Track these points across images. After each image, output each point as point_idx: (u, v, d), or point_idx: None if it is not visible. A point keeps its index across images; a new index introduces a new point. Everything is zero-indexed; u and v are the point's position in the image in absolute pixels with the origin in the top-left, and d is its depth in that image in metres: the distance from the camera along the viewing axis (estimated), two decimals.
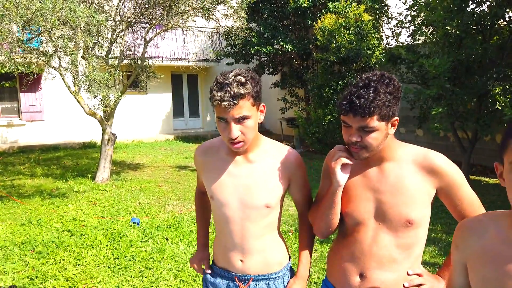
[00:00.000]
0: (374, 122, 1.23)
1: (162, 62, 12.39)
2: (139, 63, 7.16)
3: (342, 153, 1.32)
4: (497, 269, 0.96)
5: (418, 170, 1.32)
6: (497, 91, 5.69)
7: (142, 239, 4.30)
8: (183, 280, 3.41)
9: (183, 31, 7.21)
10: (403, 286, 1.36)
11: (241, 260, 1.55)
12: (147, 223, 4.81)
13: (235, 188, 1.50)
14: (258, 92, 1.40)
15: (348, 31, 8.47)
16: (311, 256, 1.62)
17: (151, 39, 6.91)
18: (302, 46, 10.24)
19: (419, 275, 1.37)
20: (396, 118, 1.29)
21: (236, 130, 1.36)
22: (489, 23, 5.84)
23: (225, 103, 1.31)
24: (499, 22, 5.90)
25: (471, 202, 1.33)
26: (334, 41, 8.53)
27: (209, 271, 1.67)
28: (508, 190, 0.94)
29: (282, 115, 11.54)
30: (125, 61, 7.40)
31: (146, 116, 13.09)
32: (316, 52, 9.70)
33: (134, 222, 4.78)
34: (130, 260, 3.79)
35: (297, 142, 10.46)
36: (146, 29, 6.92)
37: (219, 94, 1.32)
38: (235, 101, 1.32)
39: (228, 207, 1.51)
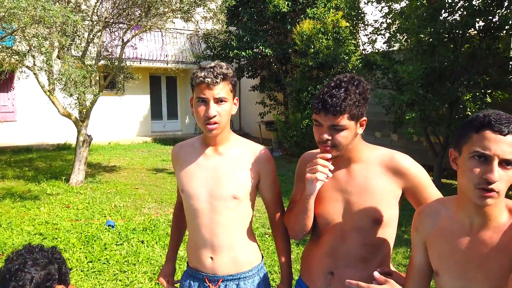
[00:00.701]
0: (344, 120, 1.27)
1: (140, 63, 12.25)
2: (116, 64, 7.06)
3: (321, 167, 1.30)
4: (447, 243, 1.16)
5: (385, 172, 1.37)
6: (467, 97, 5.90)
7: (117, 242, 4.24)
8: (158, 284, 3.38)
9: (161, 33, 7.16)
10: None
11: (211, 258, 1.54)
12: (122, 226, 4.74)
13: (204, 180, 1.53)
14: (236, 84, 1.51)
15: (326, 37, 8.61)
16: (290, 257, 1.63)
17: (128, 40, 6.83)
18: (281, 51, 10.34)
19: (388, 273, 1.39)
20: (364, 118, 1.35)
21: (214, 108, 1.43)
22: (460, 32, 6.06)
23: (208, 79, 1.40)
24: (470, 31, 6.12)
25: None
26: (312, 46, 8.65)
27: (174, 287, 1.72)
28: (459, 175, 1.10)
29: (261, 118, 11.59)
30: (102, 62, 7.29)
31: (123, 117, 12.90)
32: (295, 56, 9.81)
33: (109, 225, 4.70)
34: (104, 263, 3.73)
35: (275, 145, 10.53)
36: (124, 30, 6.84)
37: (202, 73, 1.42)
38: (217, 80, 1.41)
39: (196, 198, 1.53)
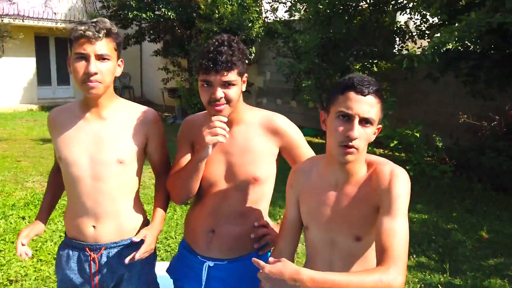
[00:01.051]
0: (234, 76, 1.30)
1: (23, 21, 10.73)
2: None
3: (219, 129, 1.29)
4: (316, 199, 1.24)
5: (264, 132, 1.43)
6: (357, 67, 6.35)
7: None
8: (41, 260, 3.12)
9: None
10: (250, 237, 1.45)
11: (93, 226, 1.45)
12: None
13: (85, 145, 1.42)
14: (120, 43, 1.43)
15: (230, 2, 8.45)
16: (165, 213, 1.56)
17: None
18: (185, 14, 9.90)
19: (264, 226, 1.48)
20: (246, 75, 1.39)
21: (95, 65, 1.33)
22: (353, 4, 6.40)
23: (89, 33, 1.30)
24: (361, 4, 6.51)
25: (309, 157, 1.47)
26: (217, 11, 8.44)
27: (25, 252, 1.45)
28: (327, 136, 1.17)
29: (164, 85, 11.14)
30: None
31: (2, 83, 11.29)
32: (199, 21, 9.49)
33: None
34: None
35: (179, 113, 10.26)
36: None
37: (83, 27, 1.32)
38: (100, 34, 1.33)
39: (77, 166, 1.42)
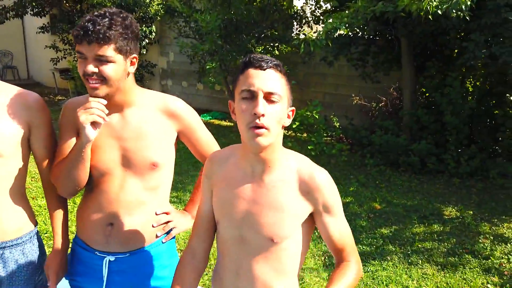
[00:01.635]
0: (110, 51, 1.21)
1: None
2: None
3: (96, 109, 1.21)
4: (231, 190, 1.15)
5: (160, 115, 1.38)
6: (259, 50, 6.50)
7: None
8: None
9: None
10: (152, 226, 1.42)
11: None
12: None
13: None
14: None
15: None
16: (66, 218, 1.46)
17: None
18: None
19: (166, 213, 1.46)
20: (135, 55, 1.29)
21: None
22: None
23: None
24: None
25: (207, 142, 1.48)
26: None
27: None
28: (237, 122, 1.07)
29: (54, 65, 10.09)
30: None
31: None
32: None
33: None
34: None
35: (73, 96, 9.41)
36: None
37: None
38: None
39: None
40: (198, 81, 7.73)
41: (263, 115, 1.00)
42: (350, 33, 5.11)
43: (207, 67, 6.13)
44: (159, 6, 7.61)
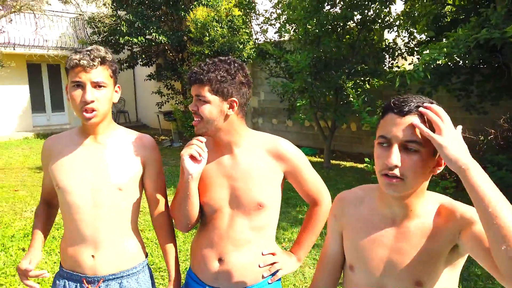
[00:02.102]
0: (206, 92, 1.31)
1: (14, 49, 10.78)
2: None
3: (195, 145, 1.33)
4: (367, 235, 1.10)
5: (268, 156, 1.41)
6: (349, 85, 6.46)
7: None
8: None
9: (34, 15, 6.37)
10: (259, 266, 1.43)
11: (92, 256, 1.43)
12: None
13: (83, 173, 1.41)
14: (116, 70, 1.44)
15: (220, 25, 8.60)
16: (177, 256, 1.56)
17: None
18: (176, 38, 10.03)
19: (272, 254, 1.47)
20: (234, 99, 1.34)
21: (91, 93, 1.34)
22: (341, 24, 6.57)
23: (84, 61, 1.32)
24: (349, 23, 6.69)
25: (314, 182, 1.48)
26: (207, 34, 8.57)
27: (43, 272, 1.42)
28: (375, 164, 1.03)
29: (159, 108, 11.19)
30: None
31: None
32: (190, 44, 9.61)
33: None
34: None
35: (175, 136, 10.28)
36: None
37: (77, 56, 1.33)
38: (94, 62, 1.33)
39: (75, 194, 1.40)
40: (288, 118, 7.90)
41: (396, 166, 0.95)
42: (449, 63, 4.84)
43: (298, 104, 6.26)
44: (252, 50, 8.08)
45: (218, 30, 8.47)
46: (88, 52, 1.34)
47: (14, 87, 11.61)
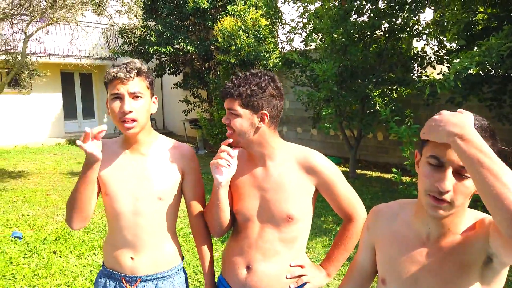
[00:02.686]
0: (237, 106, 1.35)
1: (49, 59, 11.26)
2: (19, 59, 6.40)
3: (223, 155, 1.37)
4: (400, 250, 1.09)
5: (299, 169, 1.41)
6: (376, 94, 6.39)
7: (25, 254, 3.86)
8: None
9: (70, 26, 6.65)
10: (286, 277, 1.43)
11: (131, 258, 1.50)
12: (31, 236, 4.32)
13: (126, 181, 1.48)
14: (153, 81, 1.49)
15: (246, 34, 8.70)
16: (212, 261, 1.60)
17: (32, 34, 6.23)
18: (203, 47, 10.22)
19: (301, 266, 1.46)
20: (265, 112, 1.36)
21: (129, 104, 1.38)
22: (368, 33, 6.52)
23: (121, 74, 1.37)
24: (376, 32, 6.63)
25: (348, 197, 1.45)
26: (234, 44, 8.69)
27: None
28: (419, 178, 1.01)
29: (185, 116, 11.38)
30: (2, 57, 6.56)
31: (31, 118, 11.77)
32: (217, 53, 9.77)
33: (15, 237, 4.26)
34: (10, 279, 3.37)
35: (200, 143, 10.42)
36: (27, 22, 6.22)
37: (115, 69, 1.39)
38: (131, 74, 1.38)
39: (120, 201, 1.47)
40: (313, 127, 7.86)
41: (447, 191, 0.92)
42: (481, 72, 4.71)
43: (323, 113, 6.23)
44: (277, 59, 8.12)
45: (244, 40, 8.58)
46: (124, 65, 1.39)
47: (49, 95, 12.11)
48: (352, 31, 6.24)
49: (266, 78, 1.38)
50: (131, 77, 1.39)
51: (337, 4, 6.36)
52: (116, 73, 1.37)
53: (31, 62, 6.71)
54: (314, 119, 7.61)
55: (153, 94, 1.50)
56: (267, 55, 8.59)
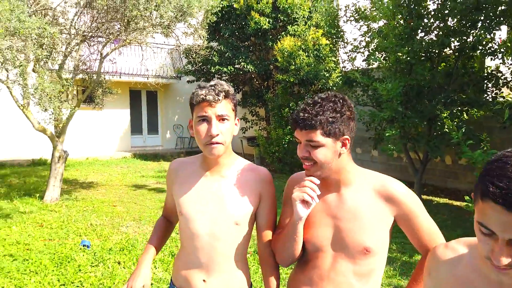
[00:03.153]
0: (318, 136, 1.26)
1: (120, 77, 12.09)
2: (94, 78, 6.92)
3: (308, 189, 1.28)
4: None
5: (376, 197, 1.32)
6: (445, 115, 6.02)
7: (92, 263, 4.06)
8: None
9: (141, 47, 7.09)
10: None
11: (204, 281, 1.48)
12: (98, 246, 4.55)
13: (205, 203, 1.47)
14: (237, 103, 1.48)
15: (306, 54, 8.71)
16: (278, 286, 1.54)
17: (107, 54, 6.72)
18: (263, 67, 10.40)
19: None
20: (346, 137, 1.30)
21: (216, 127, 1.37)
22: (436, 51, 6.22)
23: (210, 97, 1.35)
24: (445, 50, 6.29)
25: (429, 231, 1.33)
26: (293, 63, 8.74)
27: None
28: (478, 241, 0.89)
29: (243, 134, 11.56)
30: (80, 76, 7.14)
31: (102, 132, 12.64)
32: (276, 72, 9.88)
33: (84, 245, 4.51)
34: (77, 286, 3.55)
35: (257, 161, 10.48)
36: (103, 43, 6.74)
37: (203, 91, 1.36)
38: (219, 97, 1.36)
39: (196, 222, 1.46)
40: (374, 148, 7.58)
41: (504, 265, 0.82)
42: None
43: (386, 134, 5.98)
44: (338, 78, 8.01)
45: (304, 59, 8.59)
46: (212, 88, 1.37)
47: (118, 111, 12.97)
48: (418, 50, 5.99)
49: (340, 100, 1.30)
50: (219, 100, 1.36)
51: (402, 23, 6.16)
52: (205, 96, 1.35)
53: (104, 81, 7.23)
54: (375, 140, 7.34)
55: (236, 116, 1.49)
56: (327, 74, 8.51)
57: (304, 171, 1.41)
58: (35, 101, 5.33)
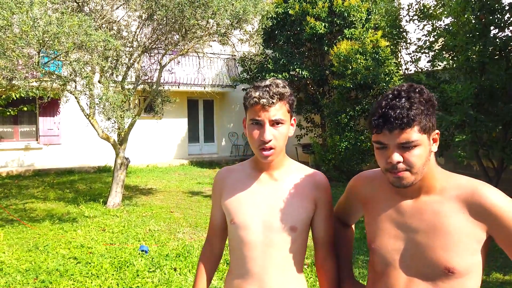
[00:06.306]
0: (415, 134, 1.05)
1: (178, 87, 12.49)
2: (154, 87, 7.16)
3: None
4: None
5: (464, 208, 1.09)
6: None
7: (150, 268, 4.10)
8: None
9: (198, 56, 7.23)
10: None
11: None
12: (155, 251, 4.61)
13: (258, 209, 1.36)
14: (293, 102, 1.36)
15: (364, 57, 8.37)
16: None
17: (166, 64, 6.92)
18: (318, 72, 10.19)
19: None
20: (437, 131, 1.10)
21: (269, 132, 1.29)
22: None
23: (263, 100, 1.27)
24: None
25: None
26: (350, 67, 8.43)
27: None
28: None
29: (298, 141, 11.37)
30: (140, 86, 7.43)
31: (161, 140, 13.11)
32: (332, 78, 9.60)
33: (142, 250, 4.60)
34: None
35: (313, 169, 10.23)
36: (162, 54, 6.95)
37: (257, 93, 1.29)
38: (273, 100, 1.28)
39: (248, 229, 1.35)
40: (440, 154, 7.03)
41: None
42: None
43: (456, 139, 5.50)
44: (400, 80, 7.59)
45: (361, 62, 8.26)
46: (267, 89, 1.29)
47: (176, 120, 13.39)
48: (492, 48, 5.46)
49: (424, 90, 1.09)
50: (273, 103, 1.28)
51: (473, 19, 5.67)
52: (259, 99, 1.27)
53: (164, 90, 7.45)
54: (442, 145, 6.80)
55: (292, 116, 1.38)
56: (387, 78, 8.10)
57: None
58: (99, 110, 5.59)
